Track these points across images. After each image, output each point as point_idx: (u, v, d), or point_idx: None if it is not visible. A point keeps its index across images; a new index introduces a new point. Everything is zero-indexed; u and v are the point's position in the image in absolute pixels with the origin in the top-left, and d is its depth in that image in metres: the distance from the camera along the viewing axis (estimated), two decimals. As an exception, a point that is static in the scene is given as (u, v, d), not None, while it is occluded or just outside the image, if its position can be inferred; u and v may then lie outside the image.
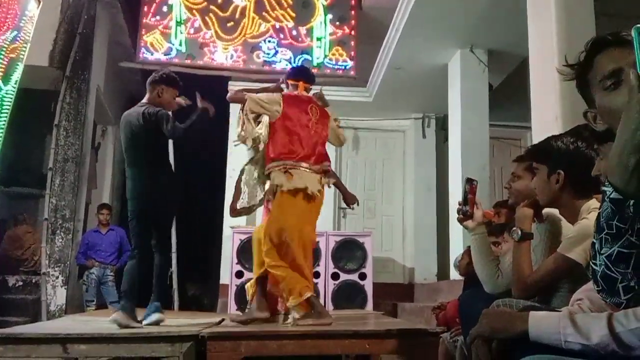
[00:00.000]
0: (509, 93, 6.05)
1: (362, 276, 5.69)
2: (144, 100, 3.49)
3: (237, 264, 5.52)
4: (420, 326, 3.29)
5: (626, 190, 0.91)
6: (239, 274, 5.49)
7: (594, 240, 0.98)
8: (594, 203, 1.71)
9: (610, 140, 1.26)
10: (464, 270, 3.26)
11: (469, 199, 2.17)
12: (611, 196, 0.93)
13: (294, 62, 7.21)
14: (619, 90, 1.04)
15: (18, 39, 4.92)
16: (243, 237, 5.50)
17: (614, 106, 1.05)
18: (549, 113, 3.23)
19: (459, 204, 2.20)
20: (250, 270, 4.24)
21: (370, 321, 4.03)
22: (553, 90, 3.19)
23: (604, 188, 0.95)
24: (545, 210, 1.93)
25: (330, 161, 3.48)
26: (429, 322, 4.04)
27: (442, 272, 6.93)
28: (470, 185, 2.18)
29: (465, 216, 2.18)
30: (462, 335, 2.26)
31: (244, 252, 5.27)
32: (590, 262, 1.00)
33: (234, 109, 7.23)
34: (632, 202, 0.92)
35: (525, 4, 3.74)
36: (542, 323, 1.19)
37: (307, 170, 3.28)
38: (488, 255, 2.17)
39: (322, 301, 5.53)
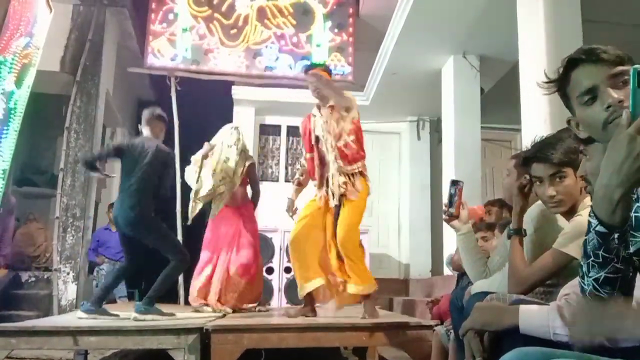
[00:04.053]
0: (500, 97, 6.05)
1: (360, 272, 5.67)
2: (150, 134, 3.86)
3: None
4: (415, 319, 3.29)
5: (611, 222, 0.90)
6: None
7: (582, 263, 0.98)
8: (587, 200, 1.69)
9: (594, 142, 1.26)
10: (457, 265, 3.26)
11: (455, 200, 2.13)
12: (597, 229, 0.92)
13: (294, 68, 7.21)
14: (595, 105, 1.08)
15: (30, 45, 4.90)
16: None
17: (591, 120, 1.09)
18: (539, 116, 3.22)
19: (445, 206, 2.17)
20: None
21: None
22: (542, 94, 3.18)
23: (589, 219, 0.94)
24: (537, 207, 1.89)
25: None
26: (424, 316, 4.04)
27: (436, 268, 6.92)
28: (456, 186, 2.14)
29: (451, 217, 2.15)
30: (454, 328, 2.25)
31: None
32: (579, 279, 1.00)
33: (238, 110, 7.24)
34: (616, 234, 0.91)
35: (516, 12, 3.74)
36: (532, 316, 1.19)
37: None
38: (475, 254, 2.16)
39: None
